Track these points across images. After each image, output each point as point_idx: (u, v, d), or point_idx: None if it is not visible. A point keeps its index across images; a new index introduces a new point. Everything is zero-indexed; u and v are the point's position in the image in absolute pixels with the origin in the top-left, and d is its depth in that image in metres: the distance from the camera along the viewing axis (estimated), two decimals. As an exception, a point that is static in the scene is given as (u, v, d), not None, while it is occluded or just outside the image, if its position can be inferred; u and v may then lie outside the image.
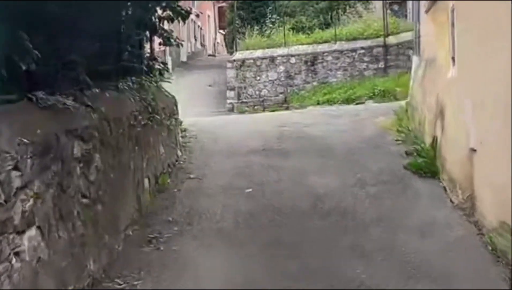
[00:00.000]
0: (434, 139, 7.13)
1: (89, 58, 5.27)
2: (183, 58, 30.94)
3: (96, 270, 4.35)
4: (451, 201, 5.97)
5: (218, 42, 40.09)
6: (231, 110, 18.65)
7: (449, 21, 6.92)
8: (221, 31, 36.65)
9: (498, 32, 4.47)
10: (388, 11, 19.56)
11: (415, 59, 10.78)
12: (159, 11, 8.60)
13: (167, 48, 27.88)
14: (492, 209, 4.85)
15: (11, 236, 3.07)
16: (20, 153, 3.21)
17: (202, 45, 36.69)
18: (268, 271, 4.48)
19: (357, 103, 16.01)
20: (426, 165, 6.93)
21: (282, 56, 18.81)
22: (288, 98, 18.31)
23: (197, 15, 33.51)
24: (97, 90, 5.29)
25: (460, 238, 4.97)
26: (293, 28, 20.58)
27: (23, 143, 3.27)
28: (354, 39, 18.58)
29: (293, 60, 18.69)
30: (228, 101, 19.01)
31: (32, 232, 3.33)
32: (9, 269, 3.03)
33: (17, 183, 3.16)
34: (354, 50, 18.24)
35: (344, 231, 5.36)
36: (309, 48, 18.87)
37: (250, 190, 6.71)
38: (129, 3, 7.13)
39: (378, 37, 18.32)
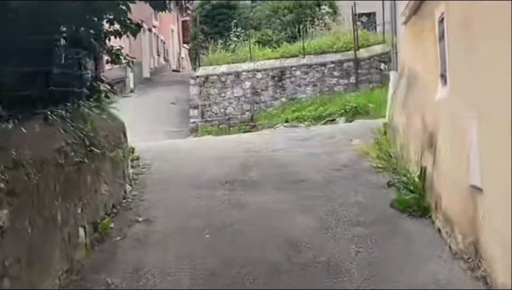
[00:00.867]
0: (423, 170, 6.15)
1: (5, 84, 4.25)
2: (146, 74, 29.79)
3: None
4: (449, 247, 4.98)
5: (182, 57, 38.96)
6: (195, 129, 17.57)
7: (436, 33, 5.99)
8: (186, 45, 35.56)
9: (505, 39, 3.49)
10: (358, 23, 18.75)
11: (392, 75, 9.86)
12: (106, 25, 7.56)
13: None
14: (504, 269, 3.83)
15: None
16: None
17: (166, 60, 35.53)
18: None
19: (328, 121, 15.11)
20: (416, 201, 5.94)
21: (248, 71, 17.83)
22: (255, 116, 17.31)
23: (159, 30, 32.43)
24: (11, 124, 4.22)
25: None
26: (259, 42, 19.63)
27: None
28: (323, 52, 17.73)
29: (259, 75, 17.72)
30: (192, 120, 17.91)
31: None
32: None
33: None
34: (323, 64, 17.38)
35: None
36: (276, 63, 17.93)
37: (208, 236, 5.62)
38: (61, 20, 6.04)
39: (348, 50, 17.50)
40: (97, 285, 4.67)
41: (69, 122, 5.53)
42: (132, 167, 8.23)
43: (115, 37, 8.13)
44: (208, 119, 17.79)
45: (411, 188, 6.26)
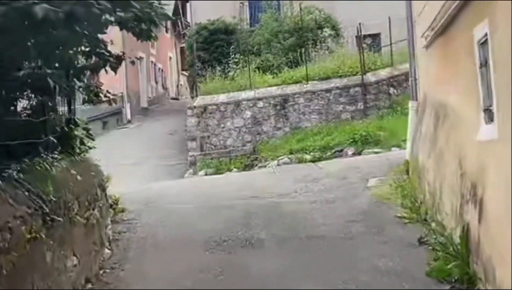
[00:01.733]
0: (465, 229, 4.96)
1: None
2: (143, 104, 28.81)
3: None
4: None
5: (181, 84, 38.01)
6: (193, 163, 16.38)
7: (476, 58, 4.89)
8: (184, 72, 34.61)
9: None
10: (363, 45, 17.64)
11: (411, 104, 8.69)
12: (81, 59, 6.52)
13: (125, 93, 25.83)
14: None
15: None
16: None
17: (164, 88, 34.56)
18: None
19: (336, 152, 13.92)
20: (459, 270, 4.74)
21: (248, 100, 16.65)
22: (257, 147, 16.09)
23: (157, 57, 31.52)
24: None
25: None
26: (258, 68, 18.46)
27: None
28: (328, 78, 16.53)
29: (260, 104, 16.54)
30: (190, 153, 16.70)
31: None
32: None
33: None
34: (328, 90, 16.18)
35: None
36: (278, 90, 16.76)
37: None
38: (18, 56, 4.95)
39: (354, 74, 16.32)
40: None
41: (23, 184, 4.41)
42: (115, 222, 7.08)
43: (92, 72, 7.11)
44: (208, 152, 16.60)
45: (451, 250, 5.06)
